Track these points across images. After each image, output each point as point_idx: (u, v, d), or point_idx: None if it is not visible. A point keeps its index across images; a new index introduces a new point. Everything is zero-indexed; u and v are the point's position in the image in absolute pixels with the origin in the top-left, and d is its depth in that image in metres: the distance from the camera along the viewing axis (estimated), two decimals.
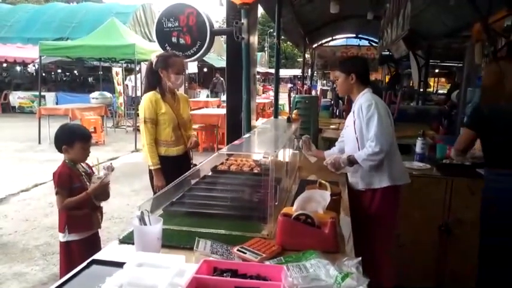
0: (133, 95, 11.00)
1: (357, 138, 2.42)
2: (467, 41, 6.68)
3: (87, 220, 2.44)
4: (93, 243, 2.45)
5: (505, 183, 2.47)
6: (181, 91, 3.10)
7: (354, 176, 2.53)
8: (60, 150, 2.42)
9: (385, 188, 2.40)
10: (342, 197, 2.06)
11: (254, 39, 3.95)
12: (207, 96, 16.99)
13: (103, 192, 2.46)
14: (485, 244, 2.60)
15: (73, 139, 2.40)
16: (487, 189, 2.57)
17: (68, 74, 18.59)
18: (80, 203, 2.36)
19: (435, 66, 11.75)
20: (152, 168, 2.86)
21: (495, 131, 2.51)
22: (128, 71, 12.96)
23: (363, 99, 2.39)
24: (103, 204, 2.57)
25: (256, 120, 5.30)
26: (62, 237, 2.40)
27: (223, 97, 14.39)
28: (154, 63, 2.89)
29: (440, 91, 16.11)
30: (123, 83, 11.38)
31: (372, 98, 2.37)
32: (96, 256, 1.45)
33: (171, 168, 2.81)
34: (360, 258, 1.31)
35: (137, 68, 9.58)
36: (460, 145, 2.69)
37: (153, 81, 2.91)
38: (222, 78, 15.22)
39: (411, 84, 9.80)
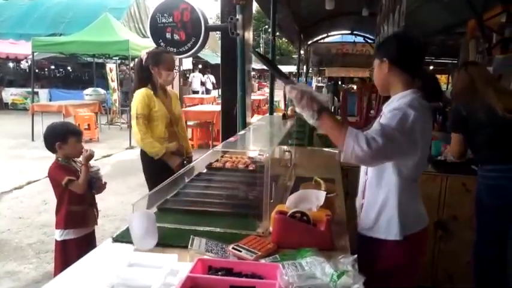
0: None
1: None
2: (462, 37, 6.71)
3: (84, 216, 2.43)
4: (89, 242, 2.44)
5: (497, 179, 2.47)
6: (175, 88, 3.06)
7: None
8: (52, 149, 2.39)
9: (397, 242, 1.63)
10: (338, 194, 2.04)
11: (249, 35, 3.93)
12: (202, 93, 16.94)
13: (96, 177, 2.45)
14: (479, 242, 2.61)
15: (66, 135, 2.39)
16: (480, 187, 2.57)
17: (61, 70, 18.39)
18: (86, 179, 2.36)
19: (430, 63, 11.79)
20: (158, 156, 2.78)
21: (477, 129, 2.51)
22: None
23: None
24: (97, 202, 2.56)
25: (252, 117, 5.28)
26: (58, 236, 2.38)
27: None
28: (144, 60, 2.86)
29: None
30: (116, 79, 11.29)
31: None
32: (90, 255, 1.43)
33: (165, 166, 2.80)
34: (356, 255, 1.30)
35: (131, 65, 9.50)
36: (454, 152, 2.67)
37: (144, 78, 2.88)
38: None
39: None
